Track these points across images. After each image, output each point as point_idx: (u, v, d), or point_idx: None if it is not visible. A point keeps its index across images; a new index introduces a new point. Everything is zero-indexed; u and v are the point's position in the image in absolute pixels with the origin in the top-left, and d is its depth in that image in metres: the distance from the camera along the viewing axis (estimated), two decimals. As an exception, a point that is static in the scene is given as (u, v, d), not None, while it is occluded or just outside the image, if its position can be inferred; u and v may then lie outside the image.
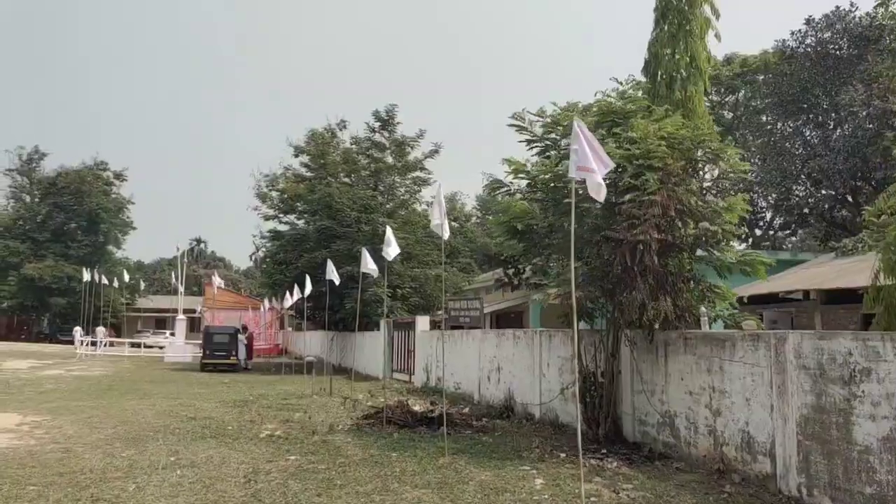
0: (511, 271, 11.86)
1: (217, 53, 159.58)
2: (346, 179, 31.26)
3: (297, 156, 31.94)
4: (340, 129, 32.18)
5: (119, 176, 63.01)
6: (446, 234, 9.39)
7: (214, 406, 14.75)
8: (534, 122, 11.02)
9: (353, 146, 31.94)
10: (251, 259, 79.96)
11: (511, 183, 11.19)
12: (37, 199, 61.23)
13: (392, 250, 12.45)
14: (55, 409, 13.44)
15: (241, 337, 29.55)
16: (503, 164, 11.25)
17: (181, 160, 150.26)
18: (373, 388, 20.00)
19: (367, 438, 10.55)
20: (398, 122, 31.45)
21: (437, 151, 31.74)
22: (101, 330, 44.76)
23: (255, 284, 74.77)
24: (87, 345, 37.02)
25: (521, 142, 11.36)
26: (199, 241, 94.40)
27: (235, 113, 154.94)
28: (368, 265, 16.61)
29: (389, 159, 31.60)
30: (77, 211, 57.07)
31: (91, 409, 13.54)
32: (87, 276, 41.97)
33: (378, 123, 31.30)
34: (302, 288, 22.56)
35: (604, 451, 9.64)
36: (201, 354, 28.54)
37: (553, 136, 10.91)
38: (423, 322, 21.57)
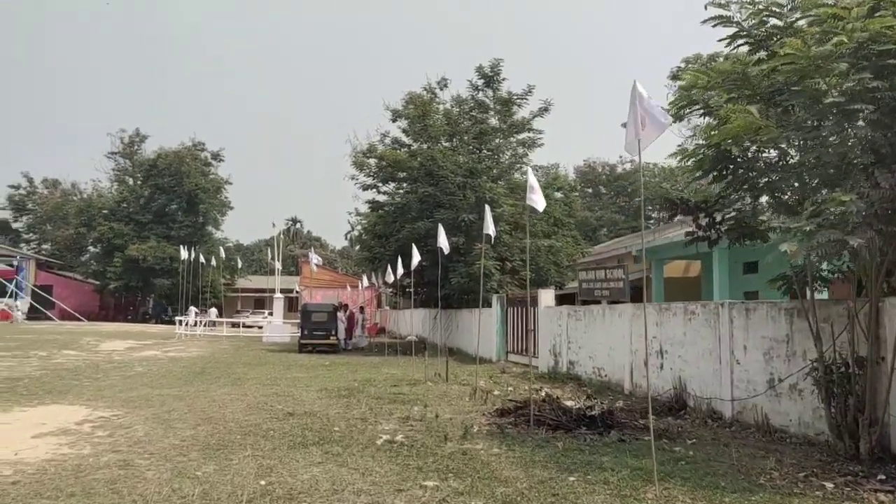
0: (705, 221, 8.73)
1: (311, 29, 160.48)
2: (447, 144, 28.54)
3: (394, 120, 29.43)
4: (441, 89, 29.37)
5: (216, 156, 62.83)
6: (645, 143, 6.28)
7: (316, 396, 12.39)
8: (742, 8, 7.84)
9: (455, 108, 29.13)
10: (346, 238, 79.28)
11: (708, 97, 8.02)
12: (139, 182, 61.80)
13: (539, 198, 9.57)
14: (132, 400, 11.37)
15: (340, 315, 27.56)
16: (677, 84, 8.18)
17: (276, 141, 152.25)
18: (491, 372, 17.34)
19: (521, 448, 7.78)
20: (504, 79, 28.39)
21: (546, 109, 28.41)
22: (213, 311, 44.43)
23: (350, 264, 73.85)
24: (187, 325, 36.21)
25: (721, 40, 8.23)
26: (295, 220, 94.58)
27: (330, 90, 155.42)
28: (489, 227, 13.92)
29: (493, 121, 28.62)
30: (177, 192, 57.02)
31: (173, 401, 11.39)
32: (184, 254, 41.35)
33: (482, 81, 28.32)
34: (405, 262, 20.11)
35: (881, 476, 6.49)
36: (299, 334, 26.72)
37: (773, 24, 7.71)
38: (547, 296, 18.62)
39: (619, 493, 5.91)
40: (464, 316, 26.03)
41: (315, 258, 41.09)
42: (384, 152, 28.70)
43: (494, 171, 27.61)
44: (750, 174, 8.20)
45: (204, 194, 58.09)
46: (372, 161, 29.14)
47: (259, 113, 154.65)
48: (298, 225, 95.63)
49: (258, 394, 12.53)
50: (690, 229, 9.03)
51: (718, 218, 8.79)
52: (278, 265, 40.68)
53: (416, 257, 18.89)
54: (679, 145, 9.95)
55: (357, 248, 57.93)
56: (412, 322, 36.04)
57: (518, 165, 29.56)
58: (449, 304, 27.02)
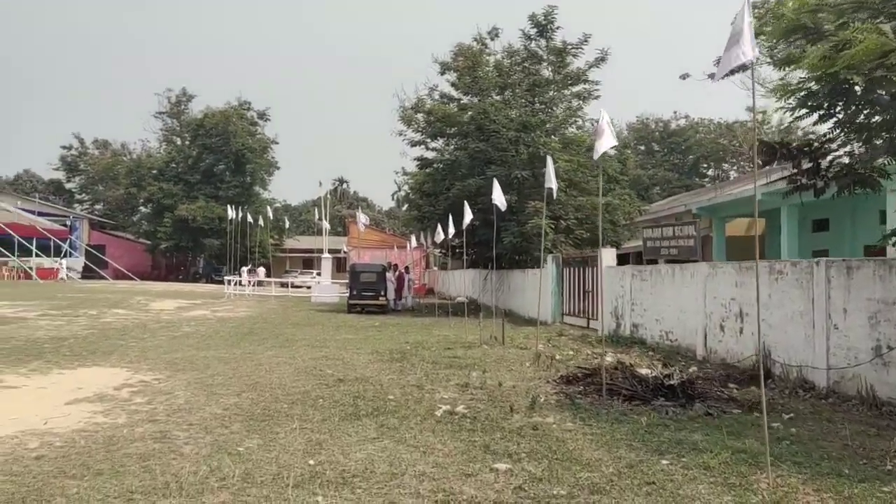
0: (809, 166, 7.60)
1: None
2: (498, 97, 27.25)
3: (443, 73, 28.21)
4: (492, 39, 27.97)
5: (262, 115, 62.51)
6: (747, 57, 5.12)
7: (367, 360, 11.72)
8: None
9: (506, 59, 27.76)
10: (393, 198, 78.63)
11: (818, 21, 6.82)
12: (186, 142, 61.93)
13: (598, 145, 8.44)
14: (176, 363, 10.86)
15: (389, 275, 26.95)
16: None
17: (323, 100, 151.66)
18: (548, 335, 16.45)
19: (598, 423, 6.92)
20: (558, 28, 26.80)
21: (603, 59, 26.77)
22: (262, 270, 44.59)
23: (397, 224, 73.34)
24: (237, 285, 36.24)
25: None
26: (341, 181, 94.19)
27: (376, 45, 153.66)
28: (552, 181, 12.89)
29: (546, 72, 27.18)
30: (224, 151, 56.90)
31: (218, 364, 10.84)
32: (231, 214, 41.21)
33: (535, 30, 26.81)
34: (457, 220, 19.19)
35: None
36: (348, 294, 26.22)
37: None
38: (608, 256, 17.58)
39: (724, 482, 5.01)
40: (515, 276, 25.13)
41: (363, 218, 40.56)
42: (433, 107, 27.62)
43: (548, 125, 26.30)
44: (863, 112, 7.05)
45: (251, 154, 57.91)
46: (420, 116, 28.09)
47: (305, 71, 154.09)
48: (345, 185, 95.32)
49: (307, 357, 11.92)
50: (792, 175, 7.90)
51: (825, 164, 7.65)
52: (326, 225, 40.25)
53: (468, 215, 17.93)
54: (781, 79, 8.40)
55: (405, 207, 57.19)
56: (462, 283, 35.28)
57: (573, 119, 28.18)
58: (500, 265, 26.16)
